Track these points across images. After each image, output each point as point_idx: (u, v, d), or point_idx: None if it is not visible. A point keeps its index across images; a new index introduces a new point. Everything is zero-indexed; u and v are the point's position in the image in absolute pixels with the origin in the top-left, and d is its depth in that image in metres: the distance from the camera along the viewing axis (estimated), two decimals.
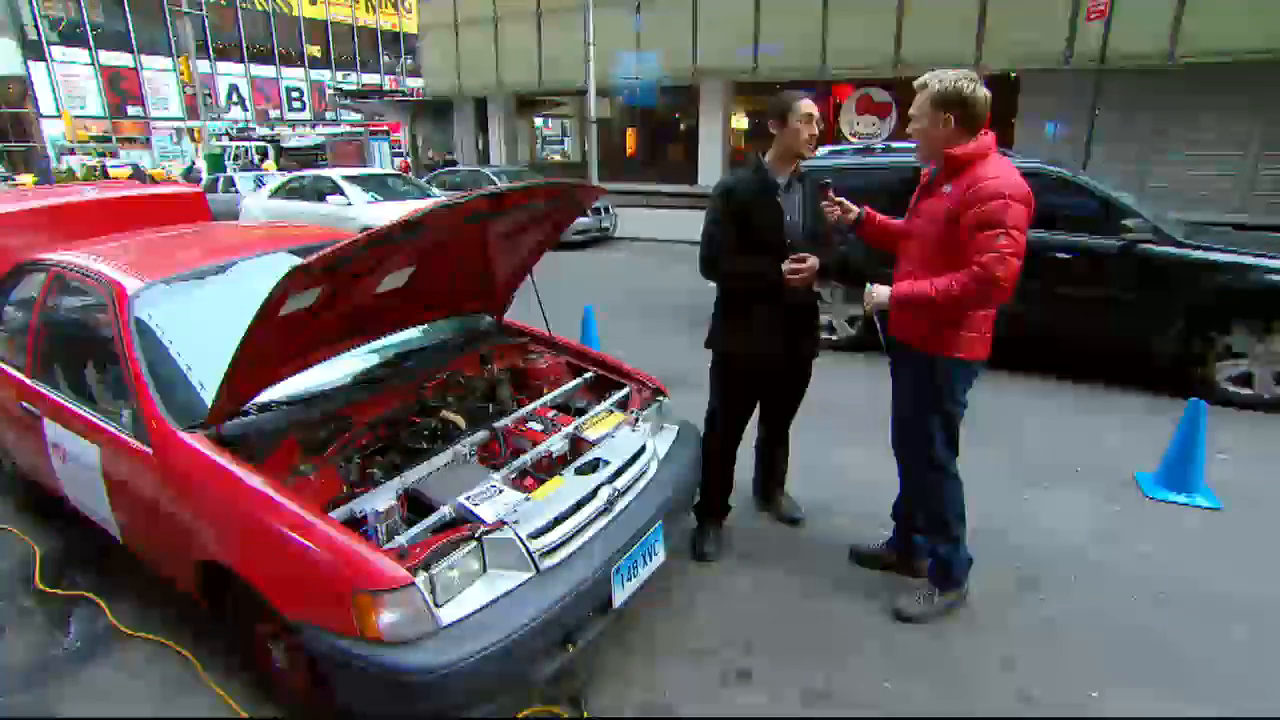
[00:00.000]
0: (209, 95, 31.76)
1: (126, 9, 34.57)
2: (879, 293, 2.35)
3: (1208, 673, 2.33)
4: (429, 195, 11.35)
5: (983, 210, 2.12)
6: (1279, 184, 12.57)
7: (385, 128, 25.72)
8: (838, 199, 2.59)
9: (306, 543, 1.83)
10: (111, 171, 27.19)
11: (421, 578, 1.79)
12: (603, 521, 2.20)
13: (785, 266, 2.57)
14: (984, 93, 2.21)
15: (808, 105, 2.59)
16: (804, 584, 2.82)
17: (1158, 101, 12.95)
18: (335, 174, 11.56)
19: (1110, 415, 4.44)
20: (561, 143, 26.29)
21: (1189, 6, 12.19)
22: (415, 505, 2.12)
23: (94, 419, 2.52)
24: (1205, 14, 12.01)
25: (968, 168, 2.21)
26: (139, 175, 25.26)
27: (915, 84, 2.30)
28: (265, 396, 2.31)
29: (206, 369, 2.32)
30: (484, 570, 1.94)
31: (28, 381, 2.90)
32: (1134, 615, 2.61)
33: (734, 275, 2.76)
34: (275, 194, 11.64)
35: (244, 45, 39.11)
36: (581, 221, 11.28)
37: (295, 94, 42.11)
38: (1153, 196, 10.02)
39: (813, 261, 2.58)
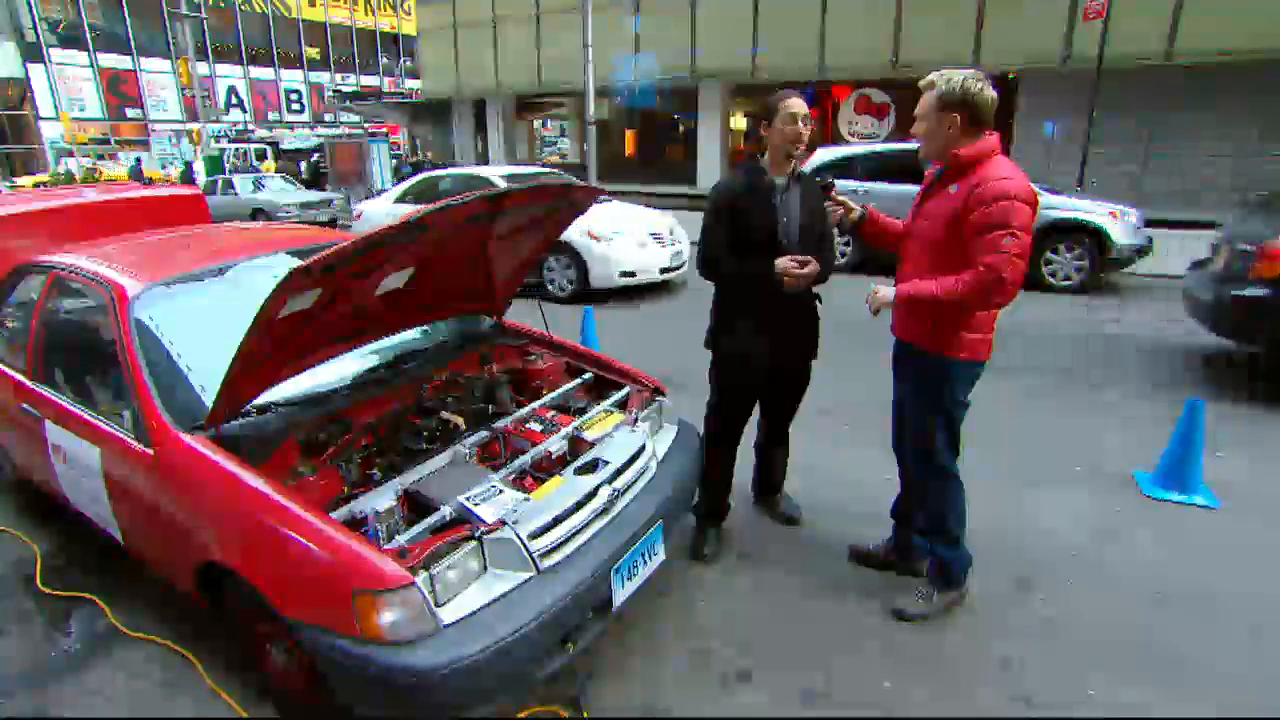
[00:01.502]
0: (208, 97, 31.77)
1: (125, 11, 34.59)
2: (883, 292, 2.35)
3: (1207, 672, 2.34)
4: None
5: (989, 211, 2.11)
6: (1277, 184, 12.59)
7: (384, 129, 25.74)
8: (840, 199, 2.59)
9: (307, 543, 1.83)
10: (106, 173, 27.02)
11: (422, 577, 1.79)
12: (602, 521, 2.20)
13: (781, 264, 2.56)
14: (991, 93, 2.21)
15: (793, 105, 2.56)
16: (803, 584, 2.82)
17: (1156, 101, 12.98)
18: (491, 172, 8.82)
19: (1109, 415, 4.45)
20: (555, 145, 26.31)
21: (1187, 6, 12.22)
22: (415, 505, 2.12)
23: (94, 420, 2.52)
24: (1203, 14, 12.04)
25: (974, 168, 2.20)
26: (137, 175, 24.94)
27: (921, 84, 2.28)
28: (265, 398, 2.32)
29: (207, 370, 2.32)
30: (484, 570, 1.94)
31: (28, 383, 2.90)
32: (1133, 615, 2.62)
33: (731, 276, 2.76)
34: (403, 198, 9.16)
35: (243, 47, 39.12)
36: None
37: (294, 96, 42.11)
38: (1151, 196, 10.04)
39: (812, 266, 2.59)
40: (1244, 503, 3.36)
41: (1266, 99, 12.22)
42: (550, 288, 8.01)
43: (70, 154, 30.58)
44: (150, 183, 20.19)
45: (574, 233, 7.29)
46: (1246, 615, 2.60)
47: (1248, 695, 2.25)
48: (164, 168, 28.76)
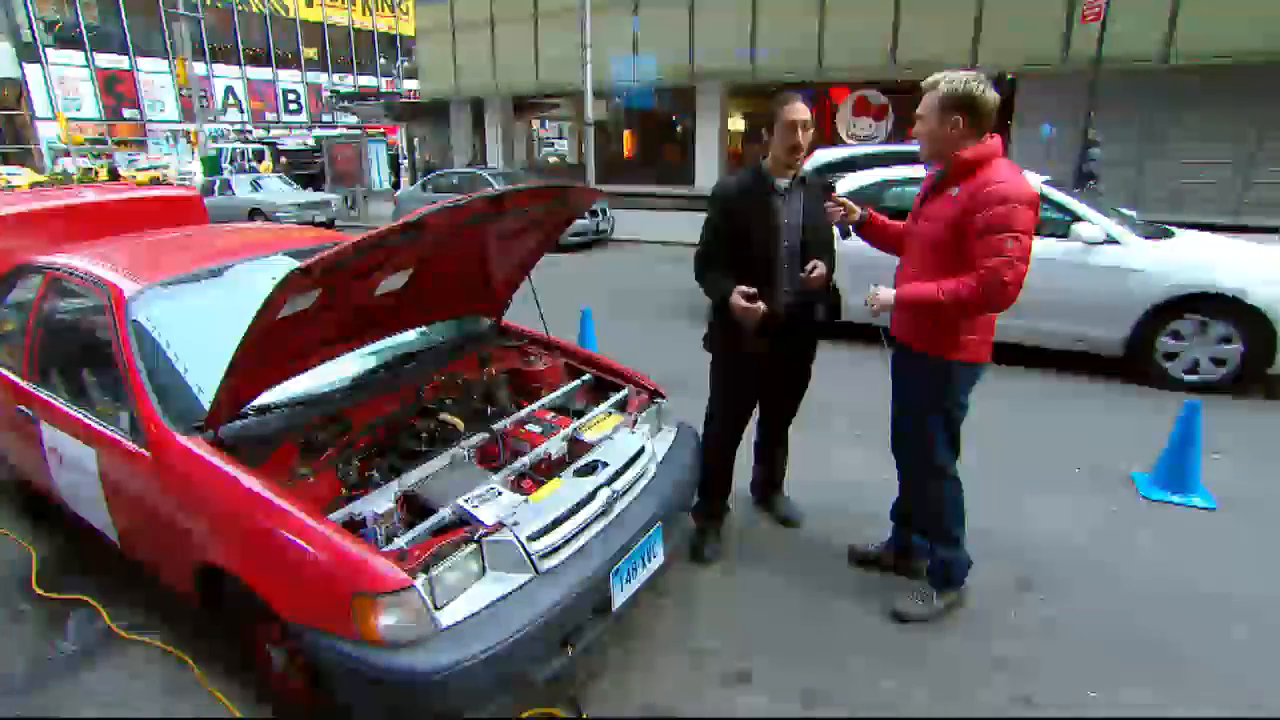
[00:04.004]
0: (205, 98, 31.72)
1: (122, 11, 34.53)
2: (884, 294, 2.34)
3: (1207, 673, 2.34)
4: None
5: (991, 214, 2.11)
6: (1274, 185, 12.62)
7: (382, 130, 25.67)
8: (841, 200, 2.58)
9: (305, 545, 1.82)
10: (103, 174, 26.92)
11: (421, 580, 1.78)
12: (602, 523, 2.20)
13: (734, 301, 2.55)
14: (993, 95, 2.20)
15: (792, 113, 2.53)
16: (803, 585, 2.82)
17: (1154, 103, 13.00)
18: (1034, 179, 4.90)
19: (1108, 415, 4.45)
20: (552, 145, 26.27)
21: (1185, 8, 12.25)
22: (414, 507, 2.12)
23: (91, 422, 2.51)
24: (1201, 16, 12.07)
25: (975, 171, 2.20)
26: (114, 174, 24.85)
27: (924, 84, 2.27)
28: (264, 399, 2.31)
29: (204, 372, 2.31)
30: (483, 572, 1.94)
31: (24, 385, 2.89)
32: (1132, 615, 2.62)
33: (705, 289, 2.78)
34: None
35: (240, 48, 39.08)
36: (579, 224, 11.27)
37: (291, 96, 42.08)
38: (1148, 198, 10.07)
39: (820, 270, 2.59)
40: (1242, 504, 3.36)
41: (1264, 101, 12.24)
42: (1168, 365, 4.81)
43: (67, 154, 30.49)
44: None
45: (1252, 282, 4.51)
46: (1246, 615, 2.60)
47: (1248, 695, 2.25)
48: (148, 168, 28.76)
